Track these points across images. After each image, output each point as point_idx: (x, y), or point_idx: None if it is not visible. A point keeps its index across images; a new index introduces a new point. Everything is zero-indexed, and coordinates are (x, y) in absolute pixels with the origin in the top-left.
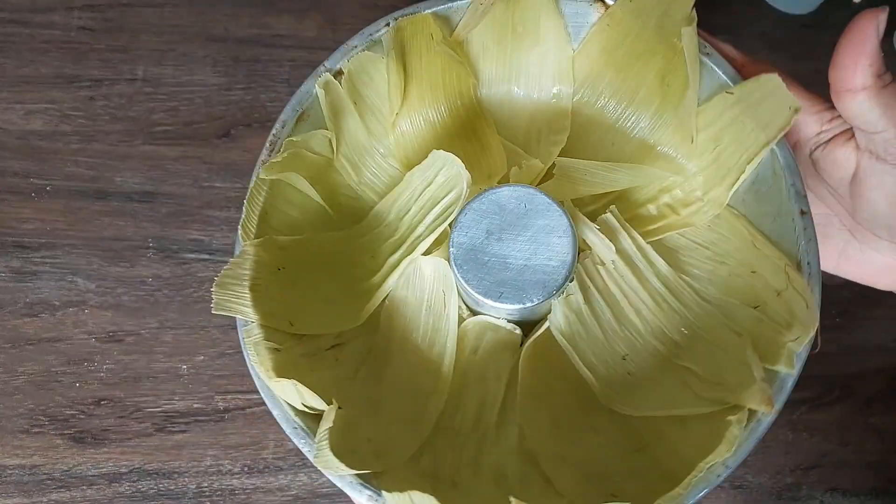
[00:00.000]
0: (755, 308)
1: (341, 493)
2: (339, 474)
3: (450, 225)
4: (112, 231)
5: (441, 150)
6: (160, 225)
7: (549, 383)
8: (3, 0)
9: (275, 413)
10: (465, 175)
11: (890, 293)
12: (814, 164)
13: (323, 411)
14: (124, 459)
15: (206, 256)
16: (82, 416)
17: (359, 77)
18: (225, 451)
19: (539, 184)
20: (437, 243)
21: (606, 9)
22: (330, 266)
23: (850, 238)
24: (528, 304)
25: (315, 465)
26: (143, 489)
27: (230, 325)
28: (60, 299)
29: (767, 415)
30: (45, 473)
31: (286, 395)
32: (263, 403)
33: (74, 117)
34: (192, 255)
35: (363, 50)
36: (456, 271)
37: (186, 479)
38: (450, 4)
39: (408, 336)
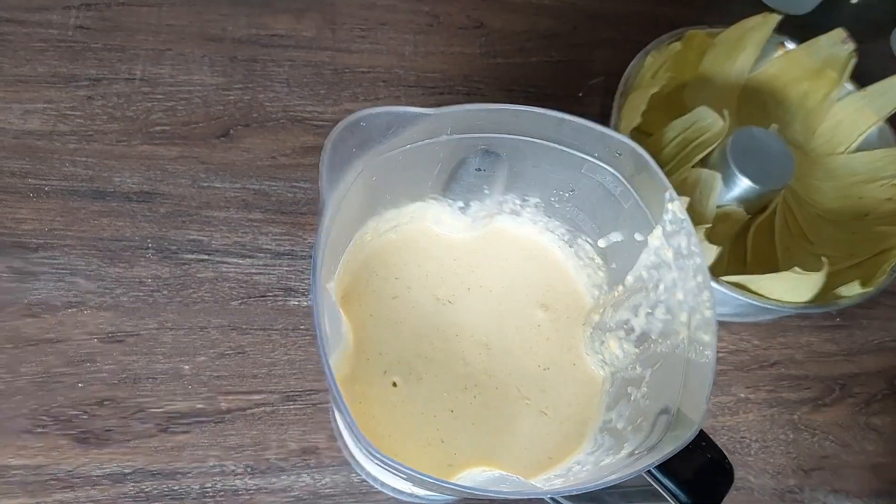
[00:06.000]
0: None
1: (343, 494)
2: None
3: (708, 155)
4: (110, 231)
5: (703, 106)
6: (158, 225)
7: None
8: None
9: None
10: (721, 121)
11: (887, 294)
12: None
13: None
14: (127, 460)
15: (205, 257)
16: (85, 417)
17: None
18: (227, 452)
19: None
20: (699, 163)
21: (785, 51)
22: None
23: None
24: (780, 185)
25: None
26: (146, 490)
27: (229, 325)
28: (60, 300)
29: None
30: (49, 474)
31: None
32: (264, 404)
33: (72, 117)
34: (192, 256)
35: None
36: (733, 166)
37: (190, 479)
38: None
39: None
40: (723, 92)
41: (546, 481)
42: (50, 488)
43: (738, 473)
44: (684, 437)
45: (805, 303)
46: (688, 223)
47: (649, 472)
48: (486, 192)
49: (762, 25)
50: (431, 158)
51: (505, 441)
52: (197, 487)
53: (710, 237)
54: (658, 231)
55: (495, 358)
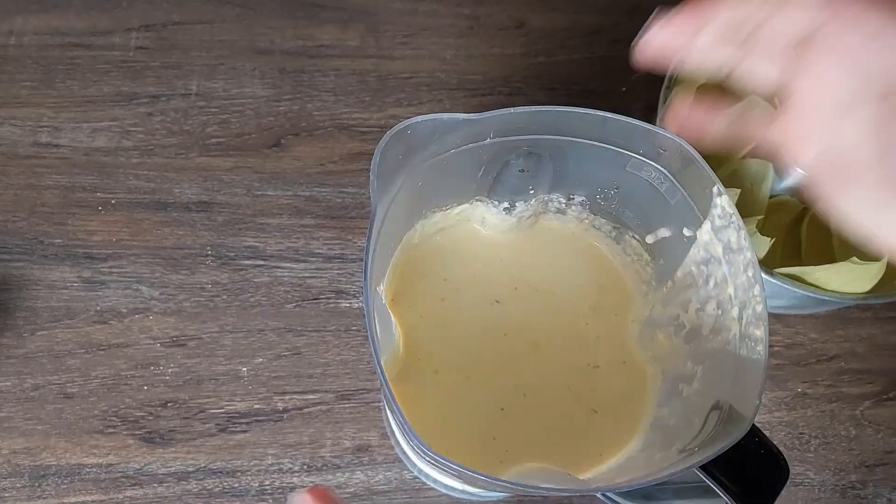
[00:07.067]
0: None
1: (396, 490)
2: None
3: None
4: (172, 240)
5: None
6: (217, 233)
7: None
8: (68, 25)
9: None
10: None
11: None
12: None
13: None
14: (190, 459)
15: (261, 262)
16: (151, 418)
17: None
18: (284, 450)
19: None
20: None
21: None
22: None
23: None
24: None
25: None
26: (208, 487)
27: (285, 328)
28: (127, 306)
29: None
30: (119, 472)
31: None
32: (319, 404)
33: (134, 133)
34: (248, 262)
35: None
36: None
37: (249, 477)
38: None
39: None
40: None
41: (596, 477)
42: (121, 485)
43: (798, 469)
44: (735, 433)
45: (864, 293)
46: (737, 217)
47: (701, 468)
48: (531, 192)
49: None
50: (475, 161)
51: (555, 438)
52: (256, 485)
53: (763, 228)
54: (707, 226)
55: (544, 356)
